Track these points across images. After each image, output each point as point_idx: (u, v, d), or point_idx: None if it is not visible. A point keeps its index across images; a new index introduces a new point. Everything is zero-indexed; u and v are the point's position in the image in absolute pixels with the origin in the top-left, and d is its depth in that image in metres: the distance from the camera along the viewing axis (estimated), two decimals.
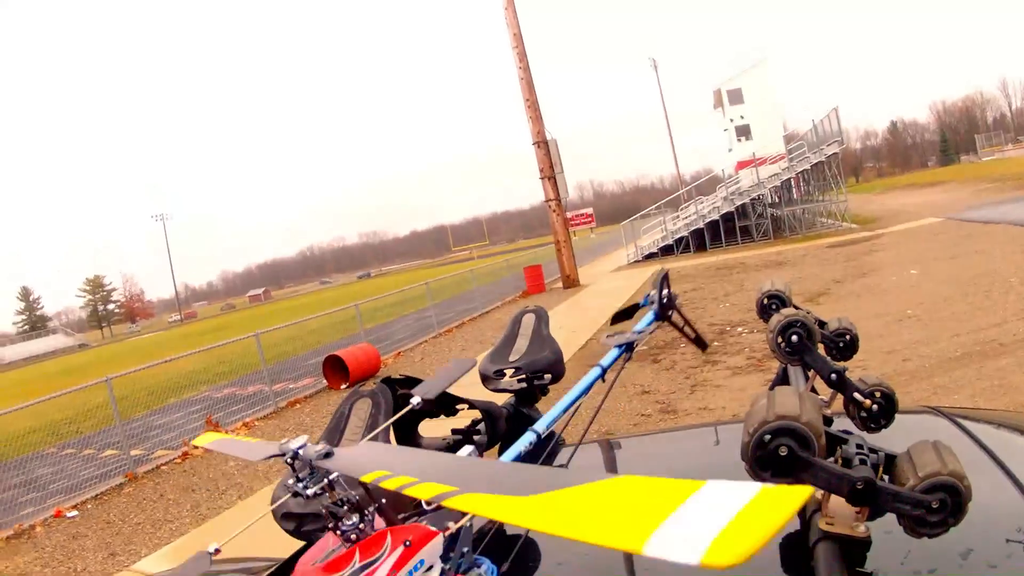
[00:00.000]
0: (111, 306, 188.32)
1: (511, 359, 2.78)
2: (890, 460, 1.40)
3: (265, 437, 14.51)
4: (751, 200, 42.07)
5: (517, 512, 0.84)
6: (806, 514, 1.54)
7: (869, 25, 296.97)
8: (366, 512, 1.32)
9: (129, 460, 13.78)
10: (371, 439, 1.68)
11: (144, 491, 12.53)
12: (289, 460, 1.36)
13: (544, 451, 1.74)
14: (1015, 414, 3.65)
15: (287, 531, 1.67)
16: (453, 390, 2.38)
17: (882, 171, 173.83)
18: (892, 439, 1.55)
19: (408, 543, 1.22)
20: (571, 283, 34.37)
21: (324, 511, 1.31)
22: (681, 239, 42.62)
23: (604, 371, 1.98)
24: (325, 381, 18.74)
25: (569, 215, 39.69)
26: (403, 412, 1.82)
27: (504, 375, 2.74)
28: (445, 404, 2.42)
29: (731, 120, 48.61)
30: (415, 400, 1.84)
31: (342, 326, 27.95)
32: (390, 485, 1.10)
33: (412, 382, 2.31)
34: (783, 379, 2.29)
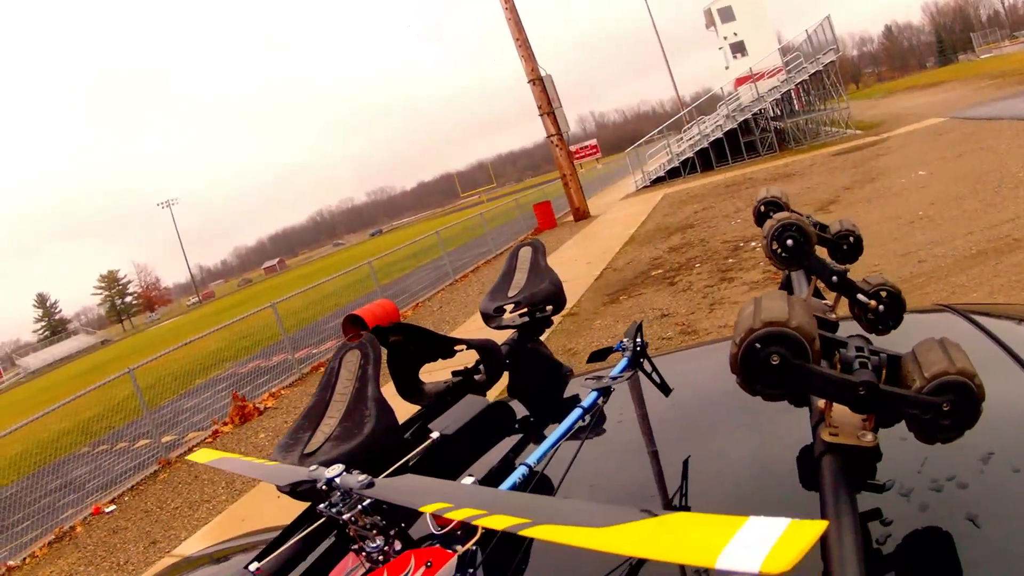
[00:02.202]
0: (128, 298, 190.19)
1: (510, 295, 2.77)
2: (894, 362, 1.31)
3: (292, 404, 14.73)
4: (753, 115, 41.57)
5: (596, 540, 0.92)
6: (811, 425, 1.46)
7: None
8: (390, 535, 1.35)
9: (161, 447, 13.86)
10: (398, 473, 1.66)
11: (178, 475, 12.58)
12: (323, 487, 1.37)
13: (535, 479, 1.69)
14: None
15: (282, 491, 1.65)
16: (454, 333, 2.29)
17: (881, 76, 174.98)
18: (904, 341, 1.41)
19: (429, 564, 1.27)
20: (582, 215, 34.41)
21: (352, 532, 1.34)
22: (687, 160, 42.35)
23: (585, 412, 1.91)
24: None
25: (573, 148, 39.57)
26: (424, 446, 1.79)
27: (504, 311, 2.75)
28: (443, 348, 2.42)
29: (724, 38, 48.58)
30: (434, 435, 1.82)
31: (359, 285, 28.00)
32: (457, 516, 1.17)
33: (402, 329, 2.32)
34: (786, 287, 2.18)
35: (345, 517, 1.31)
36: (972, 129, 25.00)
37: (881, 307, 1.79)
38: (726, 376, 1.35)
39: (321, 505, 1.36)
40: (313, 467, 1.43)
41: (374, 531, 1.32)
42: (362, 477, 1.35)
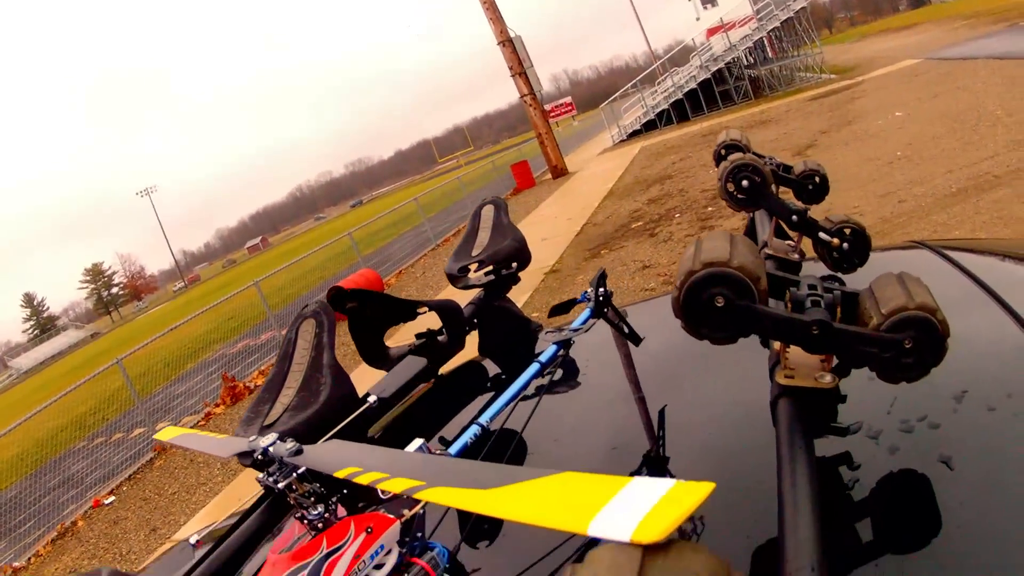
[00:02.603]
0: (115, 290, 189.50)
1: (474, 254, 2.76)
2: (850, 299, 1.27)
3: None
4: (726, 65, 41.23)
5: (479, 503, 0.92)
6: (767, 370, 1.39)
7: None
8: (330, 502, 1.34)
9: (156, 434, 13.68)
10: (334, 437, 1.66)
11: (174, 460, 12.62)
12: (259, 457, 1.37)
13: (489, 439, 1.70)
14: (1009, 241, 3.45)
15: (245, 465, 1.60)
16: (438, 296, 2.27)
17: (854, 20, 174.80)
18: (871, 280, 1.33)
19: (370, 530, 1.27)
20: (560, 172, 34.37)
21: (292, 500, 1.34)
22: (663, 113, 42.19)
23: (543, 366, 1.91)
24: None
25: (548, 107, 39.45)
26: (359, 412, 1.77)
27: (469, 271, 2.75)
28: (403, 311, 2.42)
29: None
30: (371, 399, 1.84)
31: (342, 257, 27.98)
32: (363, 480, 1.15)
33: (357, 295, 2.29)
34: (751, 230, 2.16)
35: (280, 486, 1.31)
36: (947, 69, 24.88)
37: (845, 245, 1.76)
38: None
39: (259, 475, 1.36)
40: (252, 438, 1.42)
41: (312, 498, 1.32)
42: (291, 445, 1.34)
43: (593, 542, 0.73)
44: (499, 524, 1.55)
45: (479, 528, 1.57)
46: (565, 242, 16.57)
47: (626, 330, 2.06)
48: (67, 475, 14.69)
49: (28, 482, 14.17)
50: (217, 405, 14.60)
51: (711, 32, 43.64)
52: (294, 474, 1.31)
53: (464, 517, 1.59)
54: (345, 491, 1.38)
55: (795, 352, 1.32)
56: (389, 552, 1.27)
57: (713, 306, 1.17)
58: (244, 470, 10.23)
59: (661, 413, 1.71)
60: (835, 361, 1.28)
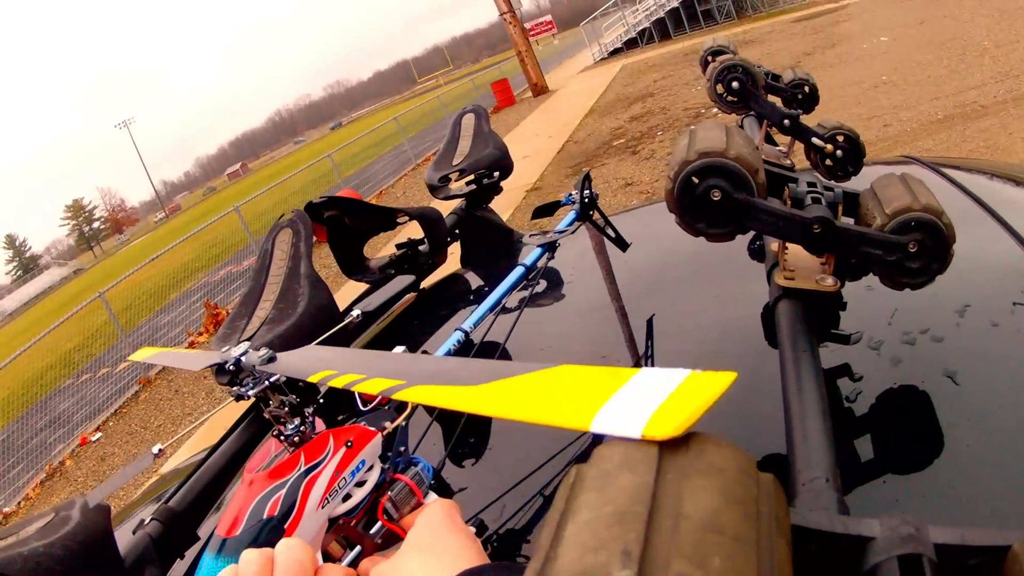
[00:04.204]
0: (96, 224, 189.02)
1: (455, 163, 2.72)
2: (851, 199, 1.23)
3: None
4: None
5: (466, 400, 0.81)
6: (768, 271, 1.34)
7: None
8: (307, 415, 1.27)
9: (141, 367, 13.72)
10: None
11: (159, 392, 12.64)
12: (231, 367, 1.28)
13: (473, 349, 1.67)
14: (1005, 164, 3.44)
15: (222, 383, 1.50)
16: (405, 205, 2.40)
17: None
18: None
19: (350, 444, 1.20)
20: (540, 90, 34.07)
21: (267, 414, 1.26)
22: (644, 31, 41.55)
23: (528, 269, 1.87)
24: (315, 237, 18.35)
25: (528, 25, 38.98)
26: (342, 325, 1.67)
27: (450, 180, 2.70)
28: (383, 219, 2.40)
29: None
30: (355, 313, 1.73)
31: (323, 179, 27.89)
32: (338, 383, 1.05)
33: (335, 202, 2.28)
34: None
35: (250, 395, 1.23)
36: None
37: (839, 152, 1.71)
38: (675, 232, 1.26)
39: (232, 388, 1.27)
40: (224, 348, 1.34)
41: (287, 410, 1.25)
42: (263, 352, 1.26)
43: (598, 441, 0.61)
44: (486, 436, 1.53)
45: (465, 441, 1.54)
46: (546, 160, 16.45)
47: (612, 235, 2.01)
48: (54, 415, 14.61)
49: (16, 425, 14.06)
50: (200, 334, 14.56)
51: None
52: (266, 382, 1.23)
53: (448, 430, 1.56)
54: (322, 400, 1.33)
55: (794, 253, 1.28)
56: (371, 468, 1.21)
57: (709, 199, 1.11)
58: (230, 397, 10.16)
59: (652, 321, 1.67)
60: (834, 262, 1.23)
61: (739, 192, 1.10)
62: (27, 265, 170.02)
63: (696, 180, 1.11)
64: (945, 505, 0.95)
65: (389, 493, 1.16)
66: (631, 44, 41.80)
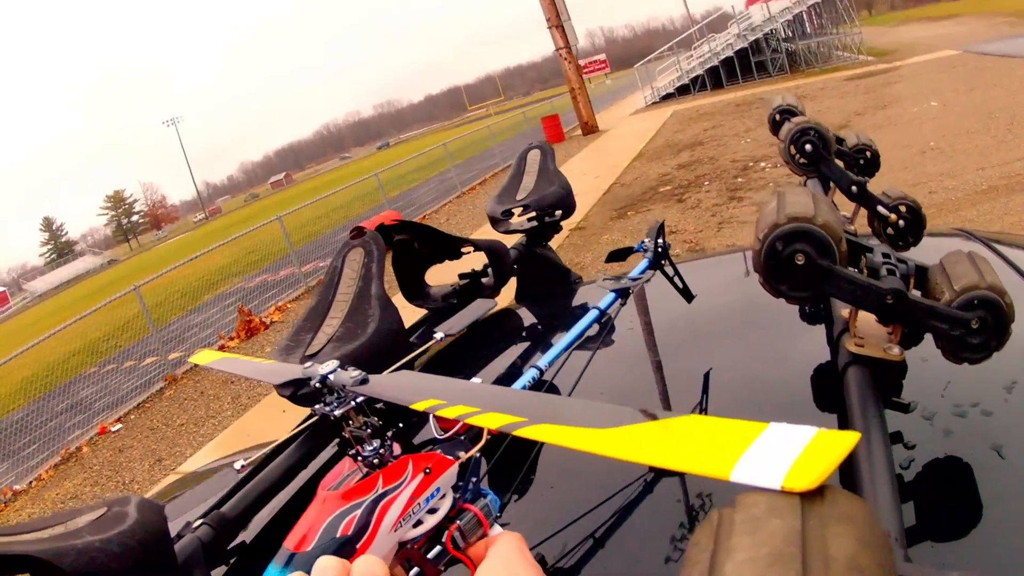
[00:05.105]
0: (135, 217, 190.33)
1: (519, 198, 2.74)
2: (921, 272, 1.27)
3: (298, 317, 14.61)
4: (764, 36, 41.11)
5: (596, 442, 0.85)
6: (833, 336, 1.42)
7: None
8: (387, 437, 1.25)
9: (168, 364, 13.83)
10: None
11: (185, 391, 12.61)
12: (316, 385, 1.27)
13: (543, 387, 1.64)
14: None
15: (283, 396, 1.66)
16: (485, 233, 2.43)
17: (895, 4, 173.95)
18: (921, 259, 1.35)
19: (428, 470, 1.18)
20: (590, 129, 34.13)
21: (347, 434, 1.26)
22: (697, 78, 41.86)
23: (601, 313, 1.84)
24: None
25: (582, 63, 39.16)
26: (427, 346, 1.67)
27: (512, 215, 2.72)
28: (449, 248, 2.41)
29: None
30: (438, 335, 1.68)
31: (367, 198, 28.06)
32: (448, 414, 1.10)
33: (407, 227, 2.29)
34: None
35: (336, 414, 1.22)
36: (985, 64, 24.62)
37: (901, 222, 1.78)
38: (750, 285, 1.44)
39: (316, 404, 1.28)
40: (308, 364, 1.32)
41: (369, 431, 1.24)
42: (356, 373, 1.25)
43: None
44: (544, 471, 1.53)
45: (527, 477, 1.54)
46: (592, 200, 16.42)
47: (680, 285, 2.02)
48: (75, 400, 14.69)
49: (36, 405, 14.18)
50: (232, 338, 14.61)
51: (751, 1, 43.50)
52: (352, 403, 1.22)
53: (511, 465, 1.54)
54: (400, 426, 1.31)
55: (861, 320, 1.32)
56: (444, 496, 1.19)
57: (793, 262, 1.16)
58: (255, 405, 10.30)
59: (708, 374, 1.70)
60: (900, 333, 1.28)
61: (823, 259, 1.15)
62: (62, 250, 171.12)
63: (783, 243, 1.16)
64: (986, 570, 0.98)
65: (458, 522, 1.13)
66: (683, 90, 42.07)
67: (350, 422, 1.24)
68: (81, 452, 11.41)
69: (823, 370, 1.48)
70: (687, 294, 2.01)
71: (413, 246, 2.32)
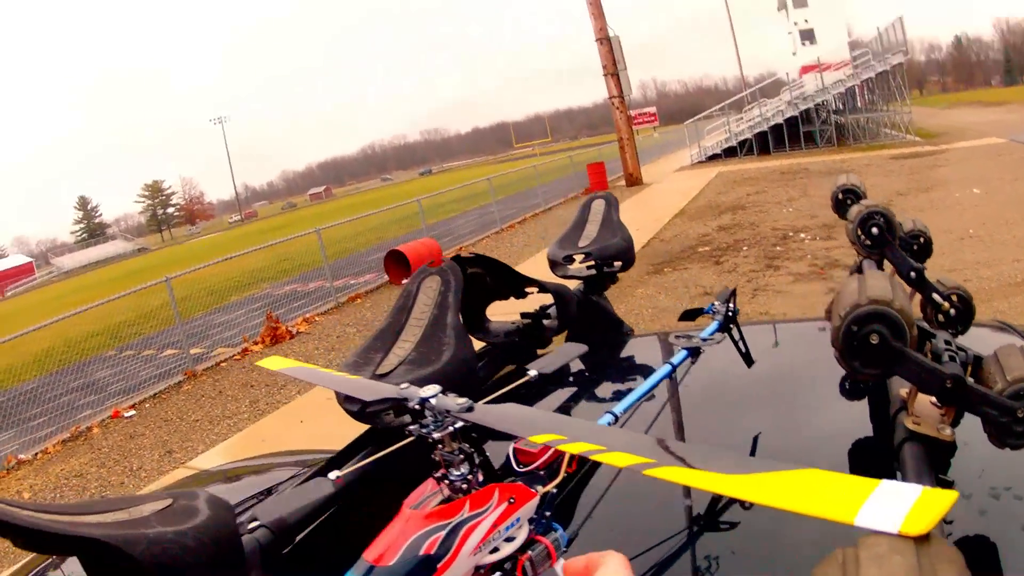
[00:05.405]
0: (170, 209, 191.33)
1: (581, 245, 2.81)
2: (977, 361, 1.36)
3: (325, 331, 14.80)
4: (815, 105, 41.17)
5: (726, 485, 0.93)
6: (890, 412, 1.51)
7: None
8: (475, 464, 1.27)
9: (189, 358, 13.84)
10: (497, 399, 1.52)
11: (203, 388, 12.63)
12: (416, 406, 1.32)
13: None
14: None
15: (349, 412, 1.70)
16: (523, 271, 2.44)
17: (946, 86, 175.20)
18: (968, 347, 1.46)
19: (512, 500, 1.22)
20: (634, 181, 34.22)
21: (437, 456, 1.27)
22: (744, 141, 41.93)
23: (674, 368, 1.91)
24: (387, 276, 18.73)
25: (632, 113, 39.20)
26: (520, 382, 1.63)
27: (573, 261, 2.79)
28: (516, 286, 2.45)
29: (795, 23, 48.82)
30: (532, 373, 1.66)
31: (404, 222, 28.21)
32: (570, 449, 1.15)
33: (482, 260, 2.32)
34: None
35: (436, 437, 1.25)
36: None
37: (953, 310, 1.86)
38: (803, 354, 1.64)
39: (412, 426, 1.30)
40: (404, 385, 1.38)
41: (461, 456, 1.25)
42: (462, 400, 1.29)
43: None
44: (609, 508, 1.57)
45: (598, 516, 1.56)
46: None
47: (743, 349, 2.07)
48: (89, 380, 14.79)
49: (50, 379, 14.18)
50: (256, 343, 14.64)
51: (805, 70, 44.02)
52: (451, 428, 1.25)
53: (573, 502, 1.59)
54: (487, 455, 1.33)
55: (919, 400, 1.40)
56: (521, 527, 1.22)
57: (868, 342, 1.26)
58: (273, 411, 10.30)
59: (756, 438, 1.75)
60: (952, 416, 1.36)
61: (896, 340, 1.25)
62: (94, 231, 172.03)
63: (861, 323, 1.26)
64: None
65: (530, 552, 1.18)
66: (730, 152, 42.12)
67: (441, 446, 1.25)
68: (91, 432, 11.43)
69: (877, 442, 1.57)
70: (748, 359, 2.04)
71: (485, 280, 2.34)
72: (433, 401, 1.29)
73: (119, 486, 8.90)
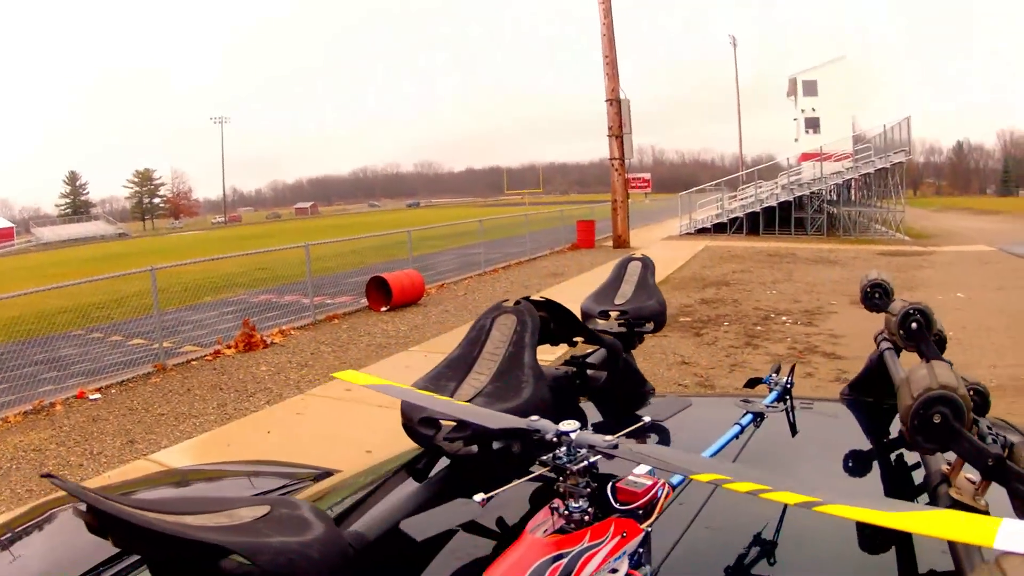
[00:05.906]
0: (156, 200, 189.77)
1: (617, 302, 2.94)
2: (1011, 447, 1.49)
3: (299, 345, 14.81)
4: (810, 193, 41.80)
5: (889, 519, 1.09)
6: (931, 484, 1.66)
7: (946, 40, 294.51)
8: (594, 498, 1.34)
9: (160, 351, 13.72)
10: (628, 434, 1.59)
11: (171, 383, 12.53)
12: (553, 438, 1.39)
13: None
14: None
15: (417, 435, 1.76)
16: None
17: (940, 189, 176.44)
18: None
19: (624, 534, 1.29)
20: (621, 243, 34.34)
21: (560, 487, 1.34)
22: (735, 219, 42.46)
23: (742, 429, 1.99)
24: (365, 301, 18.77)
25: (628, 177, 39.38)
26: (634, 427, 1.67)
27: (608, 317, 2.88)
28: (569, 334, 2.48)
29: (802, 111, 49.46)
30: (646, 418, 1.73)
31: (389, 250, 28.03)
32: (737, 488, 1.22)
33: (550, 306, 2.35)
34: (878, 367, 2.51)
35: (574, 469, 1.31)
36: (1018, 266, 25.09)
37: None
38: (826, 434, 1.91)
39: (544, 456, 1.36)
40: (534, 417, 1.45)
41: (587, 490, 1.31)
42: (609, 437, 1.37)
43: None
44: (693, 548, 1.61)
45: (680, 556, 1.59)
46: None
47: (791, 420, 2.18)
48: (55, 355, 14.51)
49: (13, 347, 13.91)
50: (229, 347, 14.58)
51: (805, 157, 44.86)
52: (585, 462, 1.32)
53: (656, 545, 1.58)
54: (597, 491, 1.38)
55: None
56: (623, 560, 1.29)
57: (931, 420, 1.42)
58: (240, 417, 10.25)
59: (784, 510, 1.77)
60: (985, 490, 1.52)
61: (956, 421, 1.41)
62: (79, 207, 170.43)
63: (931, 405, 1.41)
64: None
65: None
66: (719, 228, 42.49)
67: (563, 478, 1.32)
68: (55, 408, 11.29)
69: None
70: (793, 429, 2.15)
71: (548, 326, 2.36)
72: (573, 436, 1.36)
73: (78, 467, 8.76)
